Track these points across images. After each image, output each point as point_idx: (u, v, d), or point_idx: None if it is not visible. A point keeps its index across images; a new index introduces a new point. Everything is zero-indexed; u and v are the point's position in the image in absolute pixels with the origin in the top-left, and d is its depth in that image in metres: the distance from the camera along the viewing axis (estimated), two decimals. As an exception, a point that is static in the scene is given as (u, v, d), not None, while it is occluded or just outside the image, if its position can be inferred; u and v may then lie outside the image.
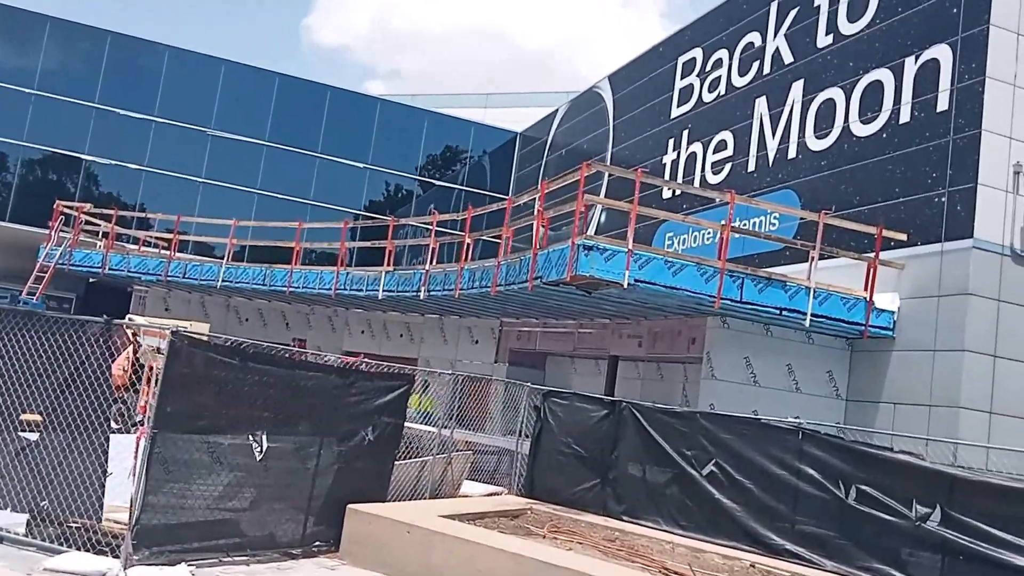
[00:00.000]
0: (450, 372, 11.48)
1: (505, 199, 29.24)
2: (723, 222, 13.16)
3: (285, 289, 19.93)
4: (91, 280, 24.63)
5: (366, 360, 10.26)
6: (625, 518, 10.55)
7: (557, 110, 28.21)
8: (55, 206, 22.77)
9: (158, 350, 11.76)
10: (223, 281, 20.97)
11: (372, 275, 18.43)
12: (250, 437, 8.47)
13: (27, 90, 27.37)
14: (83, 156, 27.94)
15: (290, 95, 30.00)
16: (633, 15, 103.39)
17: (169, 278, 21.66)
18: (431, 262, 17.25)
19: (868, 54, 15.49)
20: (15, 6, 28.01)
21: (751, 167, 17.87)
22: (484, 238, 20.97)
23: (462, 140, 32.19)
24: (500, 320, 19.21)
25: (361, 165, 30.12)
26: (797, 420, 10.18)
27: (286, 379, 8.97)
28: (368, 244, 22.28)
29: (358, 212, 29.62)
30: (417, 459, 10.81)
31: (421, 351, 20.57)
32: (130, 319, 15.80)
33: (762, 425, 9.91)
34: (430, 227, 25.75)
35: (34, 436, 8.48)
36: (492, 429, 13.90)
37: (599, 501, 10.95)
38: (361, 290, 18.53)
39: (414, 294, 17.26)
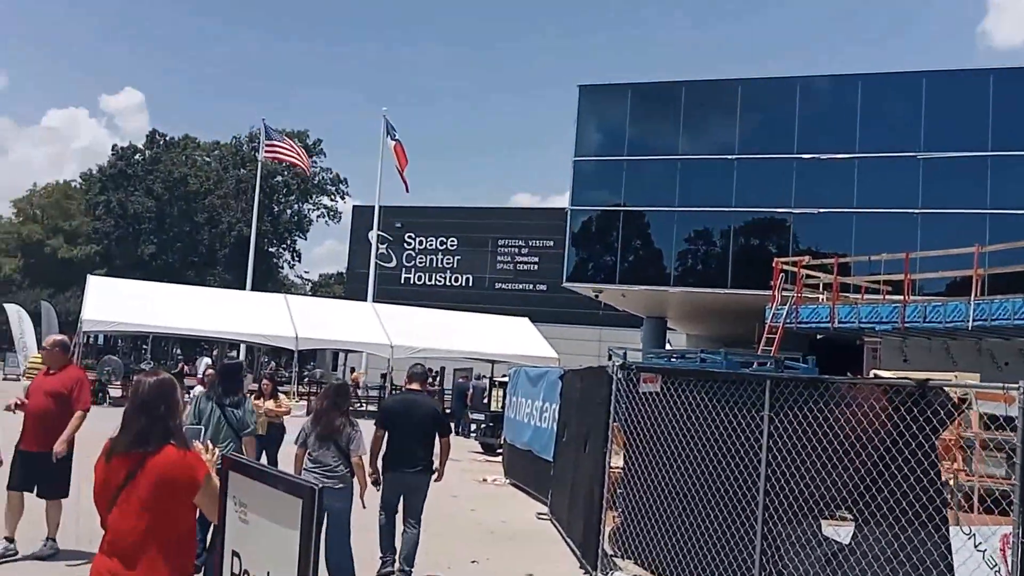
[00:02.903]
0: None
1: None
2: None
3: (1063, 321, 15.61)
4: (818, 336, 23.40)
5: None
6: None
7: None
8: (774, 265, 22.22)
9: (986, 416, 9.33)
10: (974, 321, 17.46)
11: None
12: None
13: (728, 157, 28.11)
14: (788, 210, 27.42)
15: (1009, 92, 25.19)
16: None
17: (907, 324, 19.00)
18: None
19: None
20: (712, 79, 29.36)
21: None
22: None
23: None
24: None
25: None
26: None
27: None
28: None
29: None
30: None
31: None
32: (875, 375, 13.94)
33: None
34: None
35: (846, 534, 6.78)
36: None
37: None
38: None
39: None
